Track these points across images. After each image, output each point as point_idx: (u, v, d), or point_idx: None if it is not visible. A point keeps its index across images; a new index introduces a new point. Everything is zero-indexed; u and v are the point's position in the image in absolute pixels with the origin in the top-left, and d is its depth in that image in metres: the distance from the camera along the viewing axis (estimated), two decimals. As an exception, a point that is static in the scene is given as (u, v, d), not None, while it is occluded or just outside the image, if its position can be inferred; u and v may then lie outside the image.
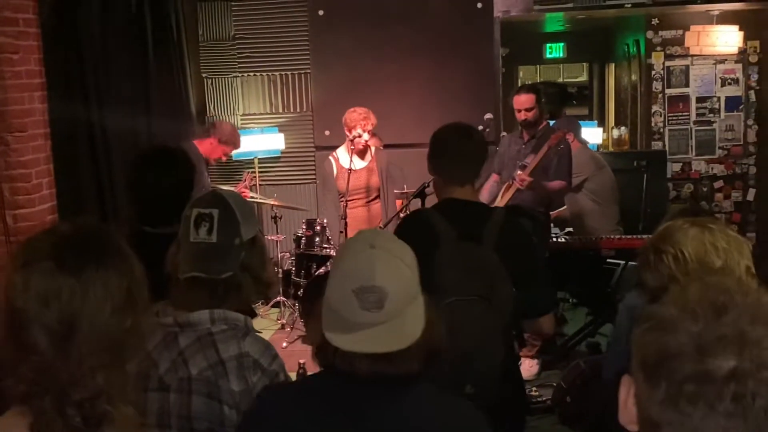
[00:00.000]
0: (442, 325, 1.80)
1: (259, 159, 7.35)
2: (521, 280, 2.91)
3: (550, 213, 6.14)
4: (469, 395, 2.77)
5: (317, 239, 6.47)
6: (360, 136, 5.92)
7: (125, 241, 1.53)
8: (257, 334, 2.10)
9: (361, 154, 6.14)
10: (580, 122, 7.37)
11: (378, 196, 6.16)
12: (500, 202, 5.64)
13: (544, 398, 5.05)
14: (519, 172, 5.53)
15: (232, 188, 6.20)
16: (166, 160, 3.10)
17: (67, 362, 1.37)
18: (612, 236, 6.08)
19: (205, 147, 6.09)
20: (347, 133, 6.00)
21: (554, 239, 6.08)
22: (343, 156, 6.14)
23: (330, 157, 6.23)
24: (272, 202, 6.87)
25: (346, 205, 5.92)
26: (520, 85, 12.09)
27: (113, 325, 1.41)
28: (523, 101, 5.77)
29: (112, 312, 1.41)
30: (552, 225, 6.53)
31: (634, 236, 6.00)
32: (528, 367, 5.68)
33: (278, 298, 6.85)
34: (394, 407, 1.71)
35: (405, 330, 1.70)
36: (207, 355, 2.00)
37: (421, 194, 5.05)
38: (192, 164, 3.21)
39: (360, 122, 5.92)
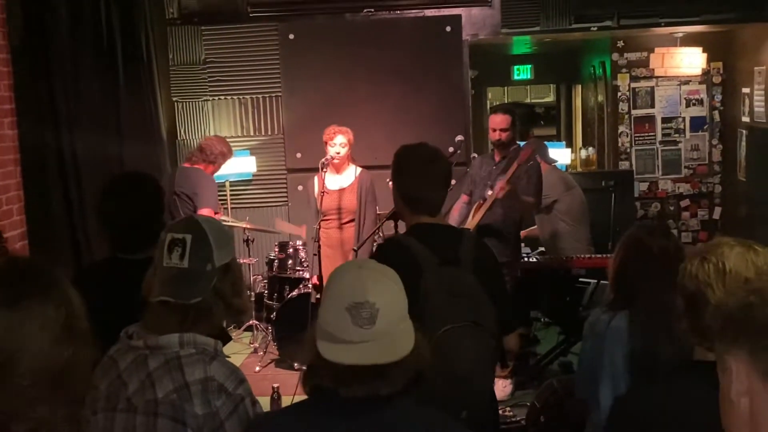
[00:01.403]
0: (428, 348, 1.83)
1: (230, 182, 7.35)
2: (495, 300, 2.94)
3: (520, 232, 6.18)
4: (464, 421, 2.79)
5: (290, 262, 6.46)
6: (333, 152, 5.92)
7: (63, 272, 1.54)
8: (226, 358, 2.10)
9: (337, 171, 6.10)
10: (549, 143, 7.46)
11: (353, 219, 6.12)
12: (471, 222, 5.67)
13: (518, 418, 5.07)
14: (499, 182, 5.52)
15: None
16: (136, 186, 3.08)
17: (7, 395, 1.36)
18: (583, 256, 6.15)
19: (210, 169, 6.05)
20: (326, 150, 6.01)
21: (526, 259, 6.13)
22: (329, 176, 6.13)
23: (315, 176, 6.19)
24: (244, 225, 6.85)
25: (319, 228, 5.92)
26: (489, 106, 12.21)
27: (52, 356, 1.41)
28: (499, 121, 5.78)
29: (50, 343, 1.41)
30: (523, 245, 6.58)
31: (604, 255, 6.06)
32: (501, 387, 5.70)
33: (251, 322, 6.82)
34: (388, 428, 1.74)
35: (396, 345, 1.75)
36: (174, 378, 2.01)
37: (394, 216, 5.07)
38: (162, 190, 3.17)
39: (333, 135, 5.94)
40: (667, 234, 2.99)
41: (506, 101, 14.28)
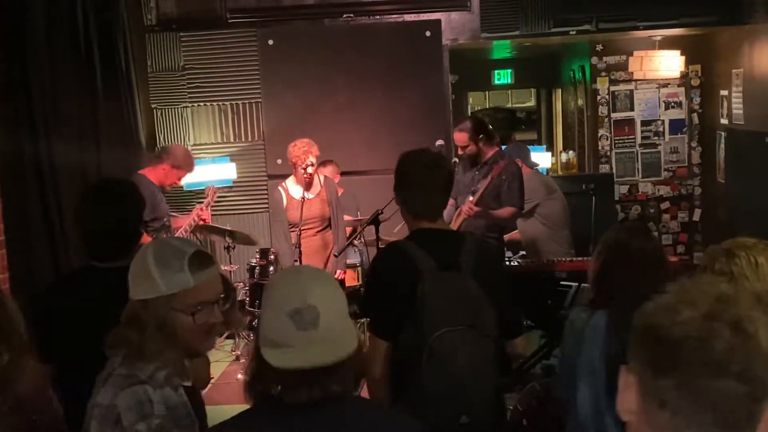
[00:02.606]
0: (364, 349, 1.89)
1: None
2: (498, 305, 2.94)
3: (504, 237, 6.20)
4: (463, 425, 2.79)
5: (271, 268, 6.43)
6: (305, 169, 5.91)
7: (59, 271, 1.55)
8: (153, 391, 2.00)
9: (309, 184, 6.08)
10: (530, 147, 7.49)
11: (328, 226, 6.13)
12: (452, 227, 5.68)
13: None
14: (469, 199, 5.58)
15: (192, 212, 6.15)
16: (112, 194, 3.04)
17: None
18: (564, 259, 6.16)
19: (158, 174, 5.90)
20: (294, 166, 6.00)
21: (508, 263, 6.14)
22: (292, 186, 6.13)
23: (279, 188, 6.19)
24: (227, 229, 6.82)
25: (300, 235, 5.90)
26: (471, 111, 12.25)
27: None
28: (457, 139, 5.91)
29: None
30: (505, 249, 6.59)
31: (585, 258, 6.08)
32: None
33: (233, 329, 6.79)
34: (339, 426, 1.76)
35: (339, 345, 1.77)
36: (94, 395, 2.04)
37: (375, 221, 5.07)
38: (140, 198, 3.14)
39: (301, 156, 5.91)
40: (647, 234, 3.01)
41: (488, 106, 14.33)
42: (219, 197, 7.45)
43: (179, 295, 2.05)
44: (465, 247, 3.02)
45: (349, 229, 6.28)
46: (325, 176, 6.24)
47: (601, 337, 2.75)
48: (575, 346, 2.84)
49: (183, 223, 6.07)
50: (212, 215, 7.27)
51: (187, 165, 6.08)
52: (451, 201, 6.11)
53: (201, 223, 6.22)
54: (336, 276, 5.97)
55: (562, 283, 5.79)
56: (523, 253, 6.75)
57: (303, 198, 5.87)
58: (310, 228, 6.08)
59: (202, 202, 6.94)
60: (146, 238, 4.98)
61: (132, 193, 3.12)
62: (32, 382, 1.52)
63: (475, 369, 2.82)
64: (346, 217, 6.33)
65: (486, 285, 2.90)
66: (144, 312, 2.05)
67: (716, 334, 1.07)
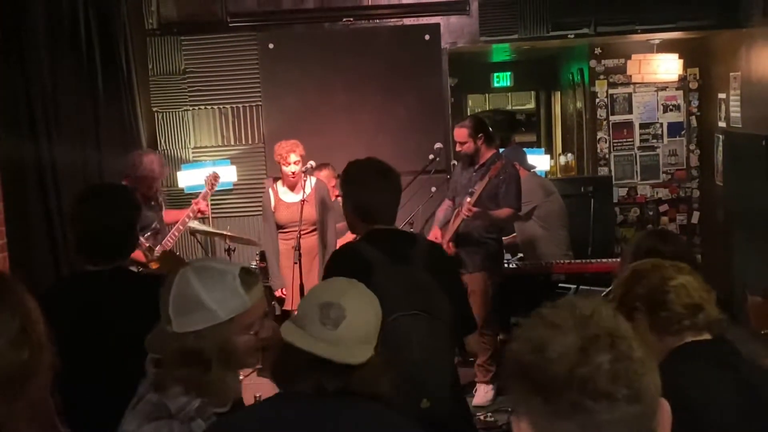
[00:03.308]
0: (390, 378, 1.92)
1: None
2: (451, 298, 2.99)
3: (503, 239, 6.23)
4: (425, 410, 2.83)
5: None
6: (288, 165, 5.92)
7: (18, 282, 1.57)
8: (180, 424, 1.92)
9: (294, 185, 6.07)
10: (529, 149, 7.53)
11: (313, 229, 6.08)
12: (451, 227, 5.73)
13: (499, 423, 5.11)
14: (467, 199, 5.61)
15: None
16: (106, 197, 3.07)
17: None
18: (562, 261, 6.19)
19: (130, 183, 5.49)
20: (282, 168, 6.01)
21: (506, 265, 6.17)
22: (281, 188, 6.13)
23: (269, 189, 6.17)
24: (226, 233, 6.83)
25: (299, 236, 5.91)
26: (468, 113, 12.27)
27: (9, 358, 1.45)
28: (456, 135, 5.96)
29: (6, 346, 1.45)
30: (504, 251, 6.63)
31: (584, 261, 6.12)
32: (483, 393, 5.73)
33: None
34: (349, 422, 1.80)
35: (346, 352, 1.82)
36: (124, 420, 1.98)
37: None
38: (134, 201, 3.16)
39: (283, 155, 5.92)
40: (676, 239, 3.05)
41: (487, 108, 14.35)
42: (219, 200, 7.48)
43: (237, 318, 1.95)
44: (417, 245, 3.11)
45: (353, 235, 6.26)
46: (317, 179, 6.21)
47: None
48: None
49: (179, 217, 5.94)
50: (212, 218, 7.30)
51: (149, 171, 5.63)
52: (448, 203, 6.16)
53: (200, 215, 6.15)
54: None
55: (560, 285, 5.83)
56: (521, 255, 6.78)
57: (303, 200, 5.88)
58: (292, 231, 6.00)
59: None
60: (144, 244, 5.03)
61: (126, 196, 3.14)
62: (49, 380, 1.55)
63: (432, 352, 2.88)
64: (339, 225, 6.34)
65: (438, 279, 2.98)
66: (202, 343, 1.92)
67: (597, 365, 1.05)
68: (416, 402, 2.82)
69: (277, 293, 6.05)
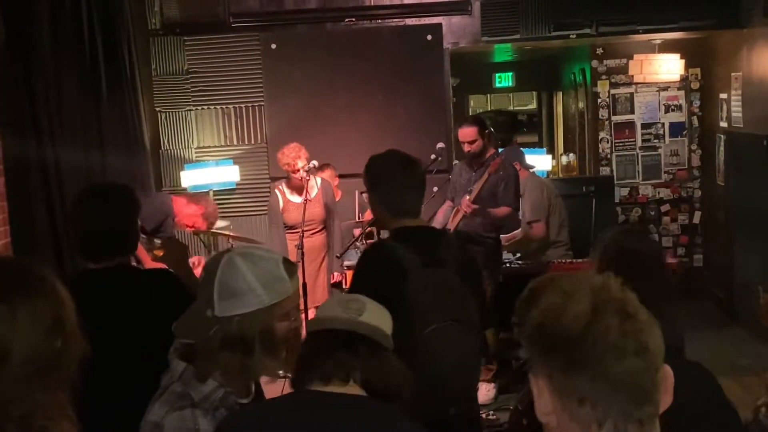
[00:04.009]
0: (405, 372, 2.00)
1: (214, 191, 7.36)
2: (477, 297, 3.02)
3: (501, 237, 6.24)
4: (452, 416, 2.85)
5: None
6: (296, 172, 5.96)
7: (50, 271, 1.60)
8: (204, 413, 1.94)
9: (300, 189, 6.11)
10: (531, 150, 7.55)
11: (323, 228, 6.18)
12: (450, 226, 5.75)
13: (501, 422, 5.12)
14: (465, 197, 5.64)
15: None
16: (105, 195, 3.08)
17: (3, 382, 1.43)
18: (562, 260, 6.21)
19: (182, 208, 5.76)
20: (288, 171, 6.05)
21: (506, 264, 6.19)
22: (288, 189, 6.19)
23: (276, 190, 6.24)
24: (228, 233, 6.86)
25: (302, 236, 5.95)
26: (470, 114, 12.29)
27: (44, 347, 1.48)
28: (465, 134, 5.91)
29: (42, 335, 1.48)
30: (504, 251, 6.65)
31: (584, 260, 6.13)
32: (485, 391, 5.74)
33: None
34: (361, 424, 1.82)
35: (370, 331, 1.94)
36: (151, 410, 1.99)
37: (376, 222, 5.12)
38: (134, 200, 3.15)
39: (290, 163, 5.96)
40: (646, 237, 3.06)
41: (489, 109, 14.38)
42: (222, 199, 7.51)
43: (281, 303, 1.98)
44: (446, 243, 3.11)
45: (357, 231, 6.31)
46: (323, 179, 6.28)
47: None
48: None
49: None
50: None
51: (210, 223, 5.95)
52: (448, 203, 6.18)
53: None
54: (333, 279, 6.02)
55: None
56: (519, 254, 6.79)
57: (306, 200, 5.92)
58: (307, 230, 6.10)
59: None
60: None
61: (125, 195, 3.14)
62: (78, 370, 1.59)
63: (462, 362, 2.91)
64: (342, 222, 6.39)
65: (466, 280, 3.00)
66: (246, 327, 1.93)
67: (607, 323, 1.19)
68: (445, 410, 2.86)
69: None
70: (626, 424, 1.19)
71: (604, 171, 8.88)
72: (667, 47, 8.28)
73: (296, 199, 6.12)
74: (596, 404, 1.19)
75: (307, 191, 6.01)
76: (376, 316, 1.95)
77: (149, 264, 5.00)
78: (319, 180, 6.19)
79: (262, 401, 2.08)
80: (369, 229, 5.44)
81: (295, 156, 5.96)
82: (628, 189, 8.91)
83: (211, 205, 5.98)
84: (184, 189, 7.20)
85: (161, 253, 5.19)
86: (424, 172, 3.29)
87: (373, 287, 2.98)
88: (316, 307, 1.93)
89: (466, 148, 5.92)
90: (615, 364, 1.17)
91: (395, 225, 3.14)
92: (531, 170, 6.84)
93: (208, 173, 7.26)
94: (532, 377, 1.27)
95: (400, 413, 1.88)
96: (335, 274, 6.09)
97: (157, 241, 5.37)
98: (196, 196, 6.13)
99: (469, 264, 3.13)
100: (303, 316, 4.79)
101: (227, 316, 1.93)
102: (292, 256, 6.01)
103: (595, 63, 8.86)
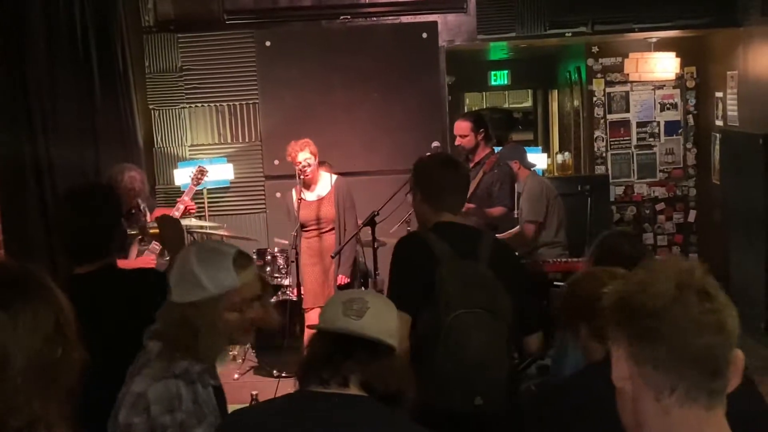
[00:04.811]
0: (409, 373, 1.97)
1: (208, 189, 7.33)
2: (514, 296, 3.01)
3: (497, 236, 6.22)
4: (478, 407, 2.85)
5: (268, 269, 6.45)
6: (301, 168, 5.87)
7: (50, 277, 1.58)
8: (184, 386, 2.12)
9: (309, 185, 6.05)
10: (526, 148, 7.49)
11: (333, 228, 6.05)
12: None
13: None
14: None
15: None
16: (83, 198, 3.02)
17: (3, 391, 1.40)
18: (558, 260, 6.19)
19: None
20: (294, 165, 5.98)
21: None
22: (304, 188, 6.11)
23: (293, 189, 6.11)
24: (222, 233, 6.84)
25: (299, 237, 5.91)
26: (466, 111, 12.26)
27: (44, 355, 1.45)
28: (459, 127, 5.96)
29: (42, 343, 1.45)
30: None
31: (580, 259, 6.11)
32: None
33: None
34: (363, 422, 1.83)
35: (374, 331, 1.90)
36: (128, 383, 2.15)
37: (371, 222, 5.10)
38: (116, 200, 3.11)
39: (291, 154, 5.88)
40: (637, 242, 3.11)
41: (484, 107, 14.35)
42: (216, 198, 7.48)
43: (227, 294, 2.15)
44: (483, 240, 3.13)
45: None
46: (338, 177, 6.18)
47: None
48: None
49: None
50: (209, 215, 7.30)
51: (128, 189, 5.50)
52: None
53: (188, 213, 6.01)
54: (338, 281, 5.93)
55: (555, 283, 5.83)
56: (516, 253, 6.76)
57: (300, 199, 5.88)
58: (311, 229, 6.07)
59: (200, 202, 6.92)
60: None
61: (105, 195, 3.09)
62: (78, 378, 1.56)
63: (490, 351, 2.90)
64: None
65: (503, 276, 2.99)
66: (194, 314, 2.14)
67: (689, 300, 1.29)
68: (470, 399, 2.86)
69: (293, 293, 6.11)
70: (698, 393, 1.28)
71: (600, 169, 8.87)
72: (662, 46, 8.27)
73: (308, 196, 6.05)
74: (669, 371, 1.28)
75: (301, 189, 5.96)
76: (378, 316, 1.91)
77: (134, 260, 4.98)
78: (333, 178, 6.10)
79: (260, 402, 2.10)
80: (362, 228, 5.40)
81: (298, 149, 5.88)
82: (624, 187, 8.90)
83: (117, 177, 5.47)
84: (178, 187, 7.17)
85: (157, 231, 5.12)
86: (467, 173, 3.40)
87: (407, 271, 3.05)
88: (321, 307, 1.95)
89: (457, 141, 5.95)
90: (694, 338, 1.27)
91: (435, 220, 3.20)
92: (532, 169, 6.81)
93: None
94: (611, 345, 1.36)
95: (399, 412, 1.89)
96: (340, 276, 5.97)
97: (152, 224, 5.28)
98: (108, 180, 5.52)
99: (508, 262, 3.14)
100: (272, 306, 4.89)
101: (181, 303, 2.16)
102: (308, 255, 5.99)
103: (590, 61, 8.85)
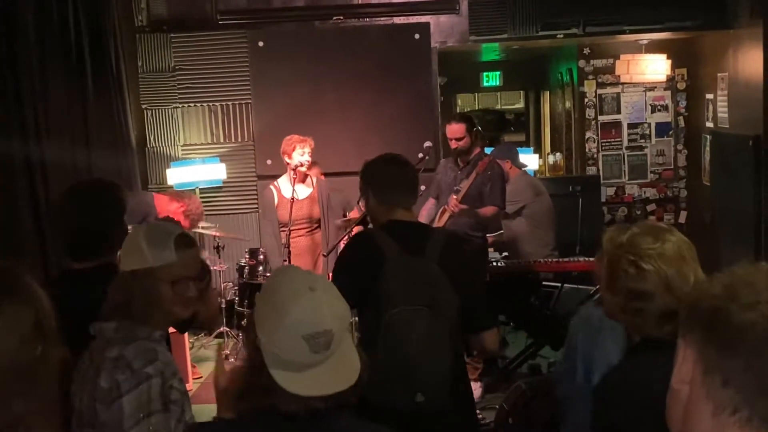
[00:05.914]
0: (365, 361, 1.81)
1: (200, 189, 7.35)
2: (463, 295, 3.00)
3: (487, 236, 6.25)
4: (419, 404, 2.85)
5: (260, 268, 6.47)
6: (301, 160, 5.91)
7: (32, 276, 1.56)
8: (154, 344, 2.29)
9: (301, 179, 6.10)
10: (518, 149, 7.53)
11: (319, 226, 6.15)
12: (437, 225, 5.74)
13: (487, 420, 5.13)
14: (453, 196, 5.64)
15: None
16: (85, 195, 3.04)
17: None
18: (549, 260, 6.22)
19: (164, 205, 5.67)
20: (288, 161, 6.01)
21: (493, 263, 6.19)
22: (284, 186, 6.15)
23: (271, 186, 6.22)
24: (214, 233, 6.85)
25: (289, 234, 5.93)
26: (457, 112, 12.28)
27: (22, 354, 1.44)
28: (454, 130, 5.92)
29: (20, 342, 1.44)
30: (492, 249, 6.65)
31: (570, 259, 6.15)
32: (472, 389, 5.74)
33: (222, 329, 6.82)
34: None
35: (350, 365, 1.75)
36: (98, 356, 2.26)
37: (363, 222, 5.11)
38: (119, 198, 3.09)
39: (287, 149, 5.93)
40: None
41: (476, 108, 14.37)
42: (209, 197, 7.49)
43: (163, 267, 2.33)
44: (433, 237, 3.13)
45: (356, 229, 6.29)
46: (318, 177, 6.26)
47: (620, 331, 2.75)
48: (590, 339, 2.86)
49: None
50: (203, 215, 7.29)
51: (195, 222, 5.85)
52: (432, 201, 6.18)
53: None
54: (328, 278, 5.96)
55: (545, 284, 5.86)
56: (506, 254, 6.80)
57: (293, 198, 5.91)
58: (300, 228, 6.11)
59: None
60: None
61: (111, 193, 3.09)
62: (59, 375, 1.55)
63: (430, 348, 2.89)
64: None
65: (450, 273, 2.98)
66: (132, 280, 2.34)
67: None
68: (411, 396, 2.86)
69: None
70: (761, 423, 1.13)
71: (591, 170, 8.91)
72: (653, 47, 8.31)
73: (302, 194, 6.08)
74: (739, 392, 1.14)
75: (295, 185, 5.99)
76: (342, 330, 1.75)
77: None
78: (314, 179, 6.16)
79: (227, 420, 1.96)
80: (355, 228, 5.42)
81: (299, 140, 5.94)
82: (615, 188, 8.95)
83: (195, 203, 5.84)
84: (170, 187, 7.18)
85: None
86: (414, 170, 3.37)
87: (352, 268, 3.07)
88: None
89: (454, 144, 5.94)
90: None
91: (388, 218, 3.20)
92: (522, 169, 6.84)
93: (195, 171, 7.24)
94: (681, 342, 1.24)
95: (354, 414, 1.81)
96: (330, 274, 6.00)
97: None
98: (179, 194, 5.99)
99: (457, 260, 3.12)
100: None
101: (126, 271, 2.37)
102: (294, 254, 6.01)
103: (582, 63, 8.89)
